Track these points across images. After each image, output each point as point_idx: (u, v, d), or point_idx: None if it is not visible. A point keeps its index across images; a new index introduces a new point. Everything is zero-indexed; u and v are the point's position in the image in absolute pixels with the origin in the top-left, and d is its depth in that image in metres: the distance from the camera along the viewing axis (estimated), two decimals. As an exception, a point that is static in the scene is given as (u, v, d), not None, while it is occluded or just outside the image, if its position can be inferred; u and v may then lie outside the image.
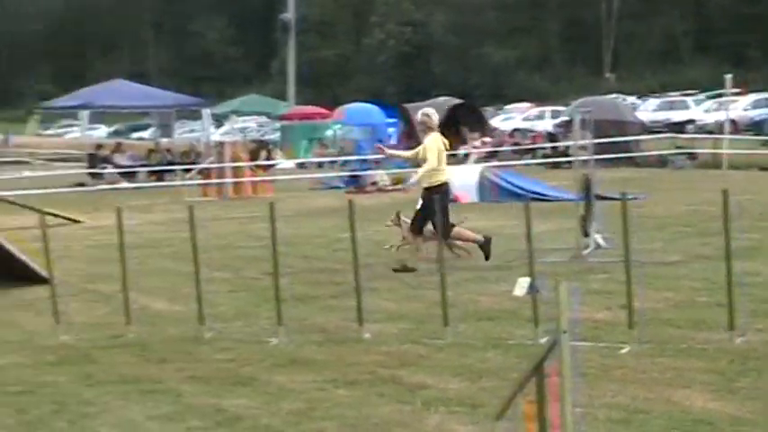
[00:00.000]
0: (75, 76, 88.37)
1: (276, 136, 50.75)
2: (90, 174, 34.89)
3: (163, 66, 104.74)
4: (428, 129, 14.96)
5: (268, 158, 38.23)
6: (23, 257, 14.16)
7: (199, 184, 30.86)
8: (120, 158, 36.08)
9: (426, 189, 14.57)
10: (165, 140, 41.22)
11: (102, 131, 65.61)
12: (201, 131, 43.61)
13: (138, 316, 11.33)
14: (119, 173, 34.54)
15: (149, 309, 12.35)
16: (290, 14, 64.97)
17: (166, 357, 9.84)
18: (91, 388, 8.85)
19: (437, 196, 13.48)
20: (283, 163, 39.61)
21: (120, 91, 39.79)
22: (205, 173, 31.50)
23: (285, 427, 7.56)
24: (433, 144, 14.70)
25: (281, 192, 29.13)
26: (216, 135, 45.91)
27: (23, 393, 8.69)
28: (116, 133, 66.27)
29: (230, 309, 12.14)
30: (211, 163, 31.28)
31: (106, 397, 8.54)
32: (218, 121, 53.79)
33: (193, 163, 34.77)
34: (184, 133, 55.53)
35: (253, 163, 32.68)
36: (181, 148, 39.55)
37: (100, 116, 54.68)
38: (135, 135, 64.09)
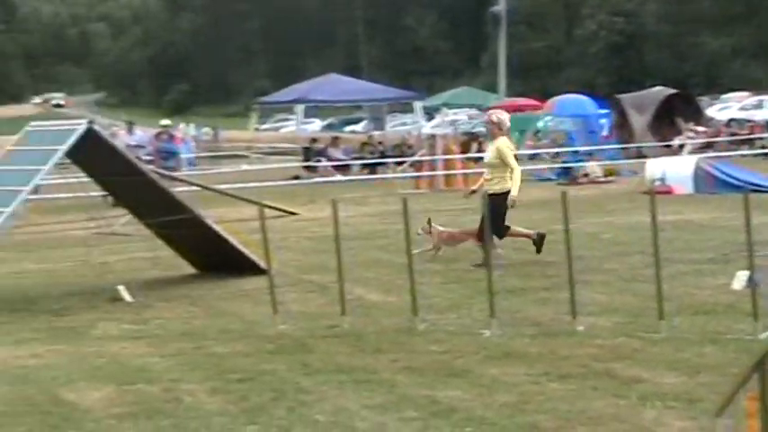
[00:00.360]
0: (290, 71, 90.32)
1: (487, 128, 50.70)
2: (305, 167, 35.58)
3: (374, 60, 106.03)
4: (500, 131, 14.76)
5: (479, 151, 38.20)
6: (243, 249, 14.57)
7: (411, 177, 31.12)
8: (333, 152, 36.67)
9: (493, 195, 14.22)
10: (377, 133, 41.70)
11: (316, 125, 66.79)
12: (413, 124, 43.96)
13: (353, 307, 11.52)
14: (332, 166, 35.11)
15: (364, 299, 12.53)
16: (500, 7, 64.80)
17: (381, 348, 9.97)
18: (308, 377, 9.04)
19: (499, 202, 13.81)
20: (494, 155, 39.47)
21: (334, 85, 40.45)
22: (417, 165, 31.74)
23: (499, 420, 7.57)
24: (509, 149, 14.61)
25: (492, 184, 29.08)
26: (427, 128, 46.18)
27: (244, 381, 8.94)
28: (329, 127, 67.39)
29: (443, 300, 12.22)
30: (423, 155, 31.50)
31: (323, 386, 8.71)
32: (429, 113, 54.08)
33: (405, 155, 35.07)
34: (396, 126, 56.08)
35: (464, 155, 32.73)
36: (393, 140, 39.94)
37: (314, 110, 55.69)
38: (348, 128, 65.05)
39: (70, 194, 17.62)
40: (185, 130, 44.74)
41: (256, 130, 46.26)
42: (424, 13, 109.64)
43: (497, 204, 14.25)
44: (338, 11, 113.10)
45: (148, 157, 27.93)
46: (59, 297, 13.77)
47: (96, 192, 18.04)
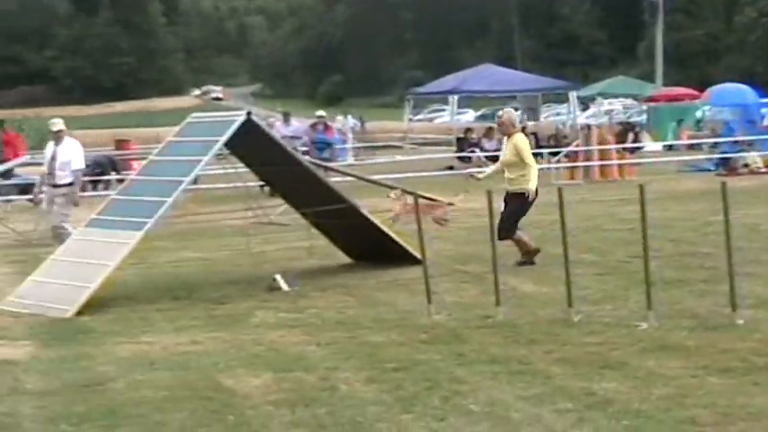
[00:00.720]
0: (442, 62, 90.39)
1: (642, 118, 50.00)
2: (458, 157, 35.55)
3: (528, 50, 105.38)
4: (513, 128, 14.49)
5: (635, 141, 37.74)
6: (398, 238, 14.65)
7: (565, 167, 30.87)
8: (487, 142, 36.58)
9: (514, 194, 14.15)
10: (531, 124, 41.45)
11: (469, 116, 66.71)
12: (567, 114, 43.60)
13: (507, 297, 11.49)
14: (486, 156, 35.01)
15: (518, 290, 12.50)
16: (657, -5, 63.85)
17: (535, 339, 9.93)
18: (462, 367, 9.05)
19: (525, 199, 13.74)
20: (650, 145, 38.98)
21: (489, 76, 40.31)
22: (572, 156, 31.48)
23: (656, 413, 7.47)
24: (525, 145, 14.30)
25: (647, 174, 28.65)
26: (582, 118, 45.73)
27: (399, 370, 8.98)
28: (482, 117, 67.25)
29: (598, 292, 12.10)
30: (578, 146, 31.22)
31: (476, 376, 8.71)
32: (584, 103, 53.56)
33: (559, 146, 34.80)
34: (550, 116, 55.67)
35: (619, 146, 32.34)
36: (547, 131, 39.65)
37: (468, 100, 55.63)
38: (501, 119, 64.72)
39: (228, 185, 17.94)
40: (343, 122, 44.88)
41: (410, 120, 46.44)
42: (578, 2, 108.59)
43: (518, 204, 14.09)
44: (492, 1, 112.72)
45: (304, 148, 28.25)
46: (218, 285, 14.03)
47: (254, 182, 18.35)
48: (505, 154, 14.50)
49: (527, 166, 14.26)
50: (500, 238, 13.52)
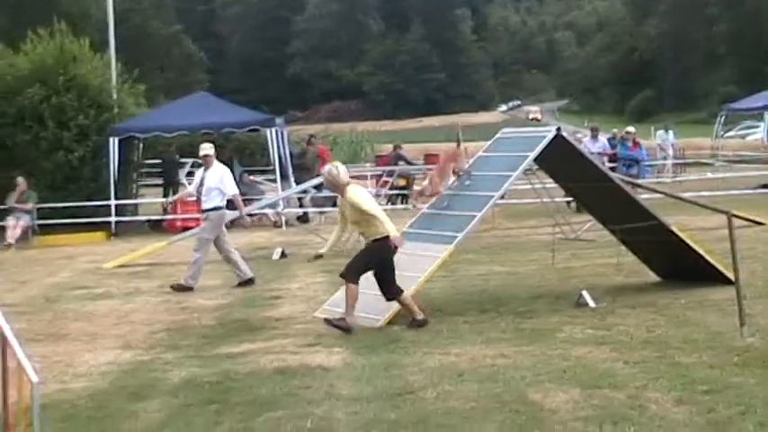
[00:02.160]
0: (759, 76, 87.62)
1: None
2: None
3: None
4: (338, 185, 12.68)
5: None
6: (709, 257, 14.30)
7: None
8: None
9: (375, 241, 12.45)
10: None
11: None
12: None
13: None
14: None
15: (838, 315, 11.98)
16: None
17: None
18: (778, 392, 8.76)
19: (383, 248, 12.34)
20: None
21: (807, 91, 38.85)
22: None
23: None
24: (365, 195, 12.61)
25: None
26: None
27: (710, 392, 8.77)
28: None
29: None
30: None
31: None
32: None
33: None
34: None
35: None
36: None
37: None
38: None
39: (535, 200, 17.98)
40: (663, 136, 43.78)
41: (722, 136, 45.03)
42: None
43: (381, 250, 12.44)
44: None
45: (611, 164, 28.01)
46: (525, 299, 14.08)
47: (561, 197, 18.32)
48: (348, 214, 12.74)
49: (372, 215, 12.46)
50: (391, 298, 12.57)
